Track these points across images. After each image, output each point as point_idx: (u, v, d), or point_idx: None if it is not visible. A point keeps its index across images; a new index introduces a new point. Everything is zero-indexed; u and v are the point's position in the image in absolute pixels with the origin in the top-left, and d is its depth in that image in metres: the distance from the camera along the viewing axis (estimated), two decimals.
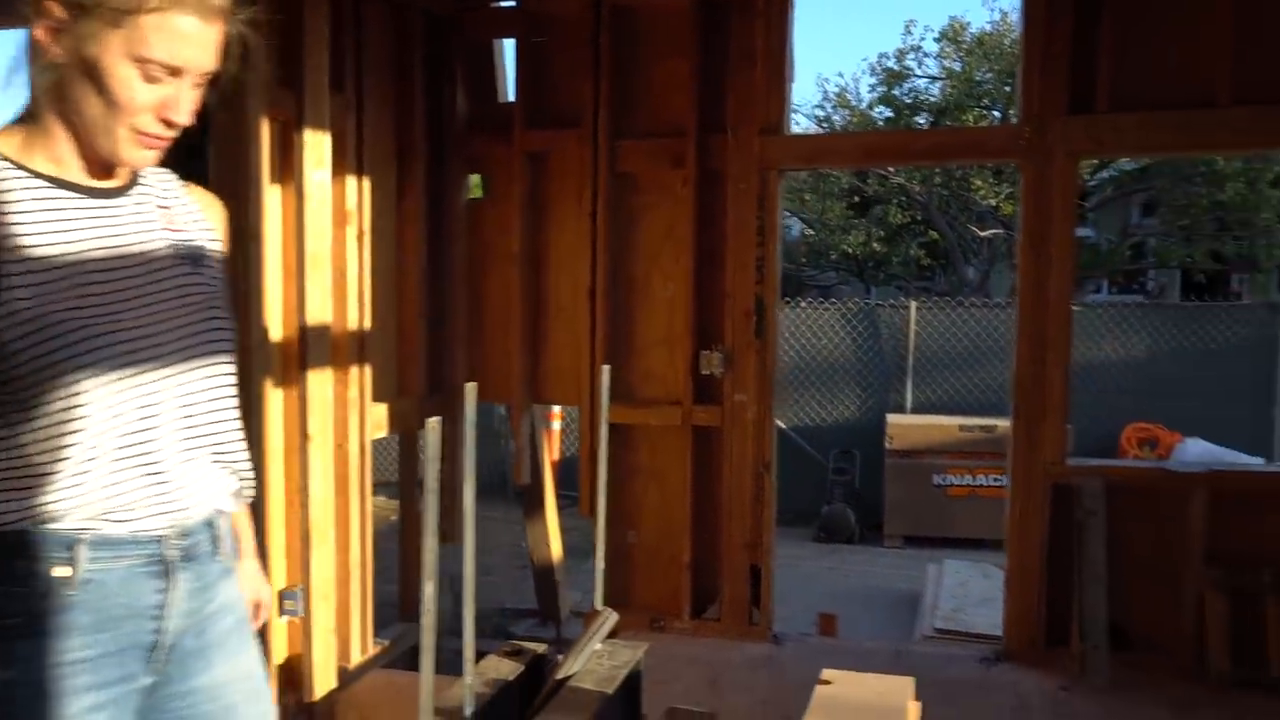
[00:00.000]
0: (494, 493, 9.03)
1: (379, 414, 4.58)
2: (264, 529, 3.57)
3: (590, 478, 5.10)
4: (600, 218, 5.03)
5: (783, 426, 9.63)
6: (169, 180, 1.81)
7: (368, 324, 4.42)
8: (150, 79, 1.55)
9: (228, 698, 1.77)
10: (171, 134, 1.62)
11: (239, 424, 1.77)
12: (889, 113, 14.05)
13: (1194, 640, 4.38)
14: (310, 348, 3.83)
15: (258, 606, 2.05)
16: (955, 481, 8.22)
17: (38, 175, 1.59)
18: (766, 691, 4.24)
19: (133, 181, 1.72)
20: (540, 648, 3.52)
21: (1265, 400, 8.90)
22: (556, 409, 8.93)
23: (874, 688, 2.83)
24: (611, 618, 3.61)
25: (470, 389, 2.79)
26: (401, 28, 4.78)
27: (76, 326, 1.53)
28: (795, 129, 14.56)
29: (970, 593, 6.01)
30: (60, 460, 1.52)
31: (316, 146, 3.85)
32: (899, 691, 2.77)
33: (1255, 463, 7.78)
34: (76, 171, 1.63)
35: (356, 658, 4.33)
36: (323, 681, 3.95)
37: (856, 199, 14.10)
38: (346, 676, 4.20)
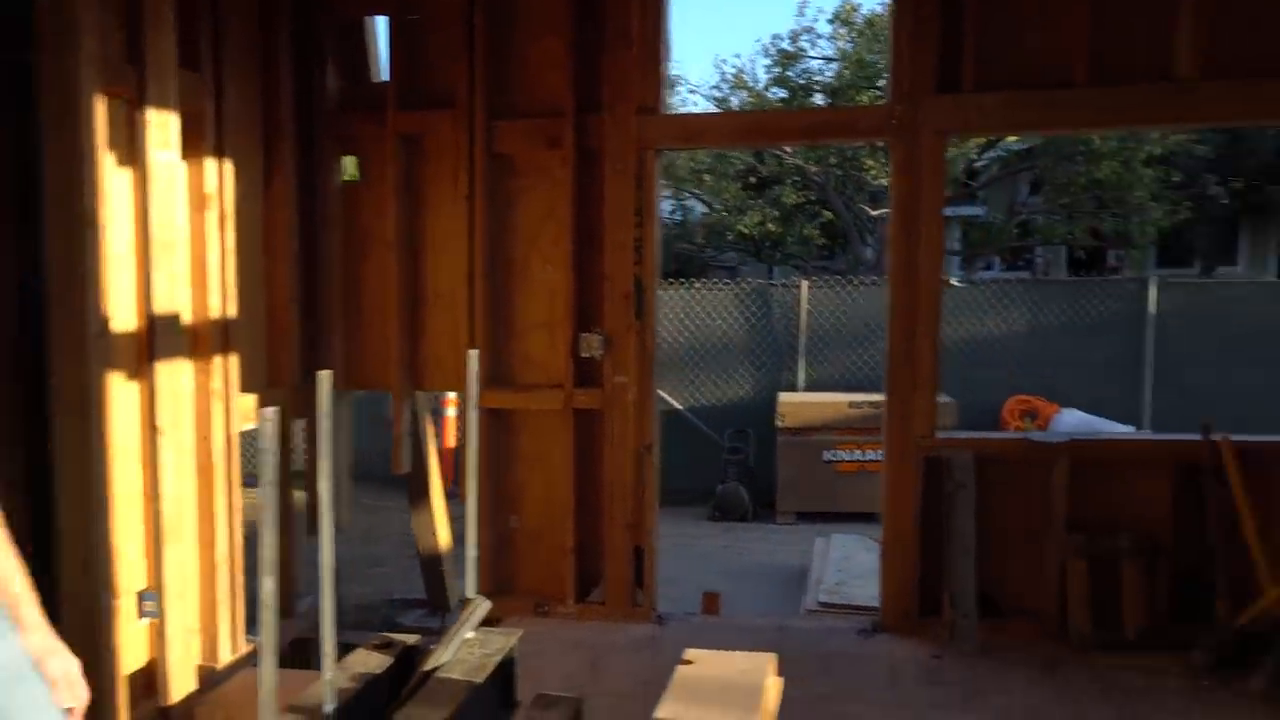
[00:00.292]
0: (387, 482, 8.86)
1: (247, 405, 4.43)
2: (108, 530, 3.40)
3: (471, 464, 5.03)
4: (477, 200, 4.94)
5: (679, 407, 9.69)
6: None
7: (232, 312, 4.26)
8: None
9: None
10: None
11: None
12: (784, 94, 14.20)
13: (1058, 605, 4.53)
14: (159, 337, 3.67)
15: (66, 681, 1.85)
16: (845, 457, 8.38)
17: None
18: (648, 672, 4.24)
19: None
20: (412, 639, 3.44)
21: (1135, 370, 9.28)
22: (452, 395, 8.81)
23: (735, 666, 2.84)
24: (483, 606, 3.56)
25: (323, 377, 2.71)
26: (265, 4, 4.60)
27: None
28: (694, 111, 14.60)
29: (854, 566, 6.13)
30: None
31: (162, 126, 3.68)
32: (759, 668, 2.79)
33: (1126, 430, 8.11)
34: None
35: (226, 657, 4.20)
36: (180, 684, 3.81)
37: (753, 179, 14.23)
38: (215, 677, 4.07)
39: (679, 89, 16.83)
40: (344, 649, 3.00)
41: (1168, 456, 4.55)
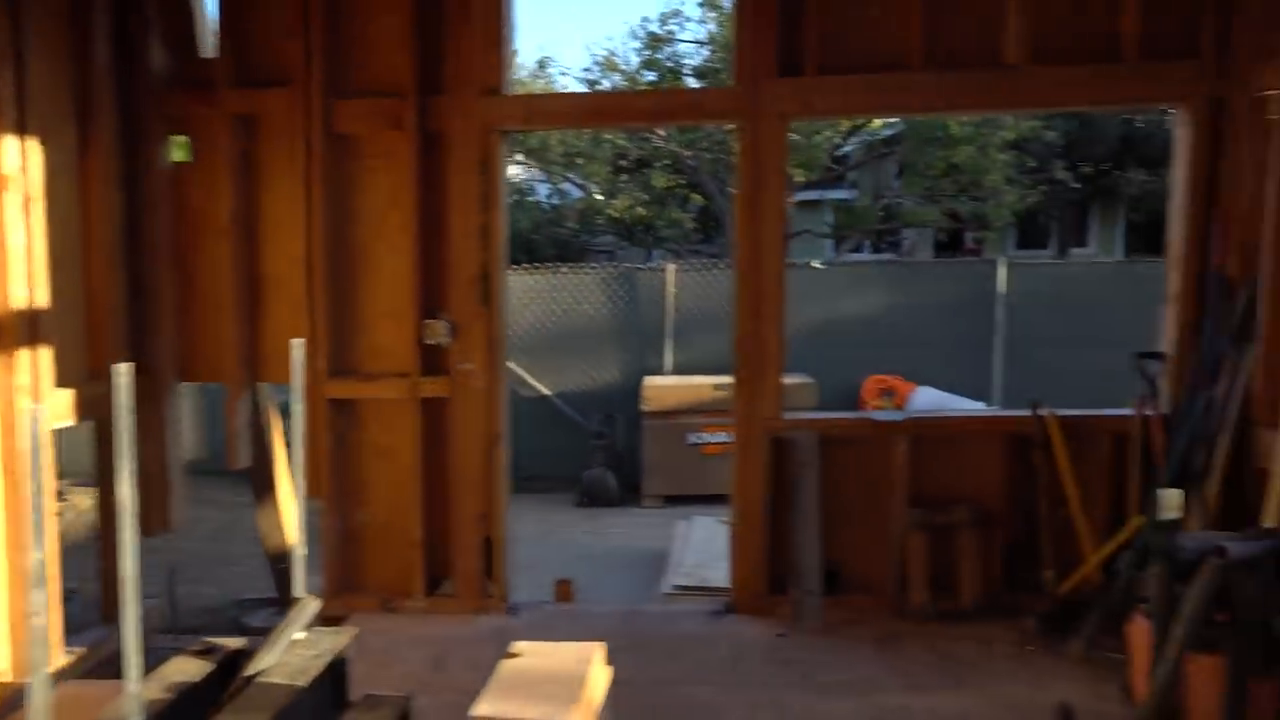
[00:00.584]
0: (242, 477, 8.54)
1: (62, 401, 4.16)
2: None
3: (313, 456, 4.87)
4: (316, 183, 4.75)
5: (547, 393, 9.61)
6: None
7: (42, 300, 3.99)
8: None
9: None
10: None
11: None
12: (654, 76, 14.21)
13: (899, 579, 4.65)
14: None
15: None
16: (709, 439, 8.44)
17: None
18: (494, 665, 4.18)
19: None
20: (237, 643, 3.30)
21: (986, 349, 9.63)
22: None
23: (561, 657, 2.80)
24: (312, 605, 3.44)
25: (121, 371, 2.54)
26: None
27: None
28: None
29: (715, 548, 6.17)
30: None
31: None
32: (585, 659, 2.76)
33: (977, 407, 8.41)
34: None
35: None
36: None
37: (623, 162, 14.21)
38: (18, 698, 3.81)
39: (551, 71, 16.66)
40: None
41: (1001, 432, 4.71)
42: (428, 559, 4.84)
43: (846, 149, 15.42)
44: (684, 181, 14.35)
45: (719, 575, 5.61)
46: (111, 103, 4.48)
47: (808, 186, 14.78)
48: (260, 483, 5.48)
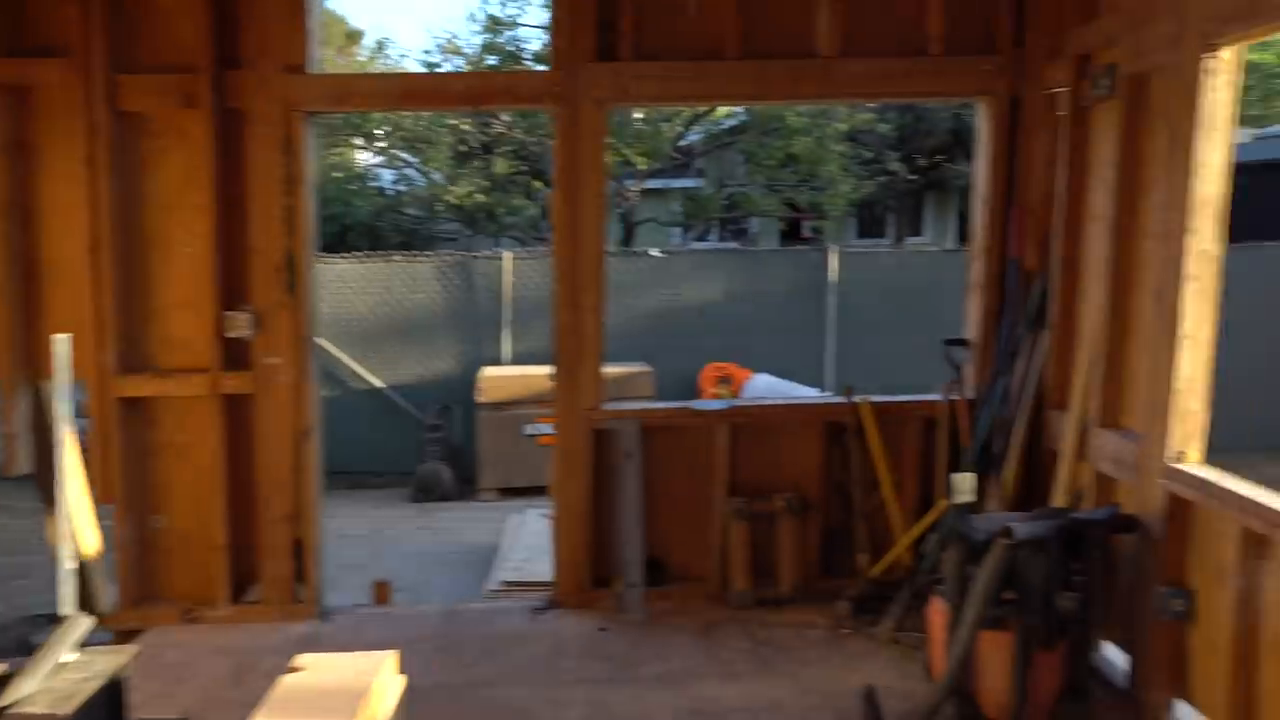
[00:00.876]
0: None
1: None
2: None
3: (104, 459, 4.52)
4: (100, 163, 4.39)
5: (380, 386, 9.30)
6: None
7: None
8: None
9: None
10: None
11: None
12: (495, 60, 13.93)
13: (721, 568, 4.67)
14: None
15: None
16: (545, 430, 8.28)
17: None
18: None
19: None
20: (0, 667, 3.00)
21: (819, 336, 9.85)
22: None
23: (348, 669, 2.65)
24: (82, 624, 3.15)
25: None
26: None
27: None
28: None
29: (544, 542, 6.05)
30: None
31: None
32: (369, 670, 2.61)
33: (810, 393, 8.58)
34: None
35: None
36: None
37: (463, 148, 13.89)
38: None
39: (390, 54, 16.14)
40: None
41: (818, 419, 4.77)
42: (233, 564, 4.57)
43: (691, 138, 15.53)
44: (526, 169, 14.13)
45: (546, 570, 5.51)
46: None
47: (655, 175, 14.81)
48: (46, 489, 5.06)
